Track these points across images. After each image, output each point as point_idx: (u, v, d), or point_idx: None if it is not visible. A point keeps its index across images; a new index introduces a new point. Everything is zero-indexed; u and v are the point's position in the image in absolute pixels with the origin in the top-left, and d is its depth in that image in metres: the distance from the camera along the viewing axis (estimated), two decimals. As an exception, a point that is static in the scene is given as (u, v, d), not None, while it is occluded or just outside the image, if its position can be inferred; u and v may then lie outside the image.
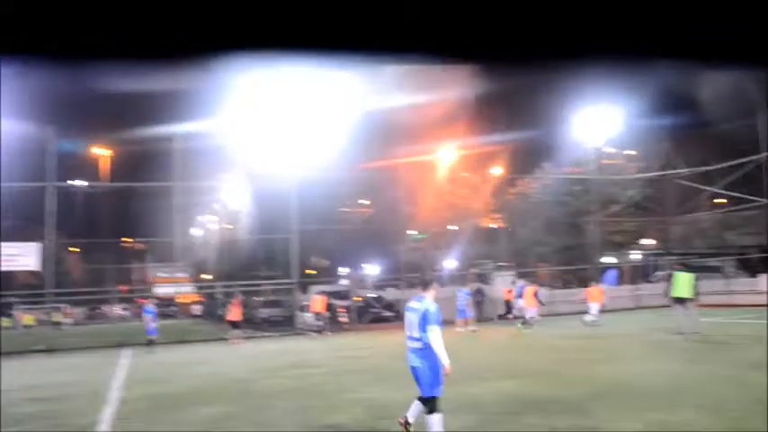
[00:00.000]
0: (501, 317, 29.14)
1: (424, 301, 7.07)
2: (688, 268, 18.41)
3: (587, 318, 23.58)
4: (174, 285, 40.30)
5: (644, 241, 43.91)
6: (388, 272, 43.36)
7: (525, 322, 24.08)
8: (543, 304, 26.58)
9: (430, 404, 6.95)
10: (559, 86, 29.32)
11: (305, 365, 15.78)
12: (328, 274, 48.63)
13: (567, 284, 39.77)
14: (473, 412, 8.54)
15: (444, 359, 6.82)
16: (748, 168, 33.88)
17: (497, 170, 38.18)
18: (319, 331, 26.72)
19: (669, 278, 18.87)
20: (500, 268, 36.71)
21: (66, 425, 9.35)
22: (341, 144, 28.93)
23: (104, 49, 2.81)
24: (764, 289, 30.10)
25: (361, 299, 34.52)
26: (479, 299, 32.50)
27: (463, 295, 25.70)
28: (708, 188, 36.98)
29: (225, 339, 25.16)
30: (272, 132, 29.09)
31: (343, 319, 29.87)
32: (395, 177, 34.51)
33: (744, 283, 32.20)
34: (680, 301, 17.44)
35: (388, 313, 33.09)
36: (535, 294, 25.31)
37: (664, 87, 30.58)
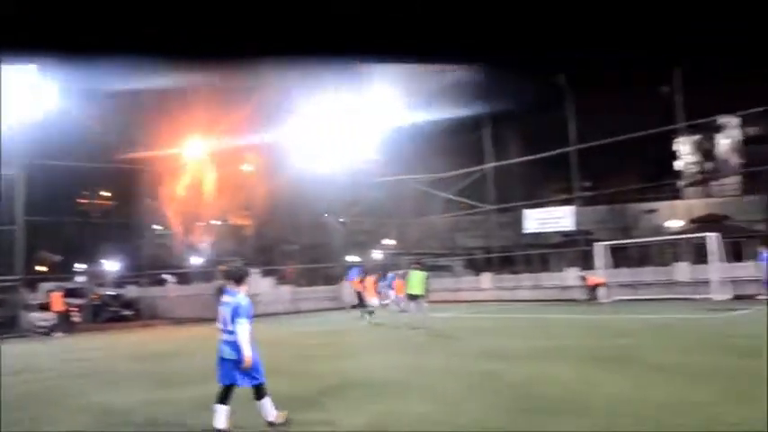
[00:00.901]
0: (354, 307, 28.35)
1: (237, 296, 7.28)
2: (422, 267, 20.00)
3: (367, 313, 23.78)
4: None
5: (385, 241, 46.64)
6: (129, 268, 41.25)
7: (371, 312, 23.97)
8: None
9: (259, 390, 7.37)
10: (306, 86, 30.16)
11: (29, 370, 14.46)
12: (63, 271, 44.95)
13: (312, 282, 40.96)
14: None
15: (247, 352, 7.07)
16: (476, 177, 37.66)
17: (247, 167, 38.12)
18: (48, 333, 24.74)
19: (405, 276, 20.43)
20: (248, 266, 36.61)
21: None
22: (79, 134, 26.98)
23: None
24: (485, 286, 33.79)
25: (97, 297, 32.49)
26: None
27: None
28: (441, 194, 40.35)
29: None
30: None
31: (77, 318, 27.82)
32: (140, 171, 32.96)
33: (469, 281, 35.56)
34: (413, 297, 18.93)
35: (126, 312, 31.53)
36: (375, 283, 26.53)
37: (406, 97, 32.88)
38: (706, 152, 75.02)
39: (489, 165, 36.58)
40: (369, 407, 8.27)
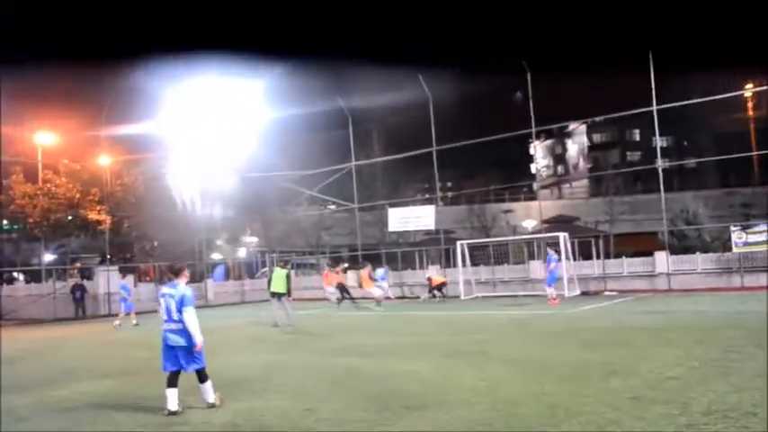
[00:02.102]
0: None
1: (178, 287, 8.09)
2: (286, 265, 20.07)
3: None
4: None
5: (248, 238, 46.05)
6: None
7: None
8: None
9: (202, 374, 8.10)
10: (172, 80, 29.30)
11: None
12: None
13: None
14: (62, 415, 8.20)
15: (198, 337, 7.95)
16: (340, 175, 38.01)
17: (103, 160, 36.28)
18: None
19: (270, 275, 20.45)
20: (104, 263, 35.04)
21: None
22: None
23: None
24: (351, 284, 34.09)
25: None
26: (80, 295, 30.74)
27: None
28: (306, 191, 40.36)
29: None
30: None
31: None
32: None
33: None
34: (276, 295, 18.97)
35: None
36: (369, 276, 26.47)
37: (272, 93, 32.67)
38: (557, 156, 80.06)
39: (353, 163, 37.04)
40: (230, 405, 8.24)
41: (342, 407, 7.78)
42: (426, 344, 13.71)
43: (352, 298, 26.68)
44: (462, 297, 28.18)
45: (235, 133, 36.36)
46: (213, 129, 35.70)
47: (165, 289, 8.23)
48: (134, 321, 23.15)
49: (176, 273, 8.41)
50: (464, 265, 29.56)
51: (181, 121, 34.58)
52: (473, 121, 32.97)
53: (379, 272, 29.21)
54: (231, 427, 7.17)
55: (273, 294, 19.14)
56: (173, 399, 7.85)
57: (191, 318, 7.89)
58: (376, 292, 25.69)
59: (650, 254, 28.39)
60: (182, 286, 8.13)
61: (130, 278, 33.07)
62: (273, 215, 41.99)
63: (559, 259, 23.86)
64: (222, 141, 36.30)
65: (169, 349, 8.02)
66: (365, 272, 26.63)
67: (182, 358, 7.96)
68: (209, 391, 8.12)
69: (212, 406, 8.05)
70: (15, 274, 37.62)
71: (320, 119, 36.05)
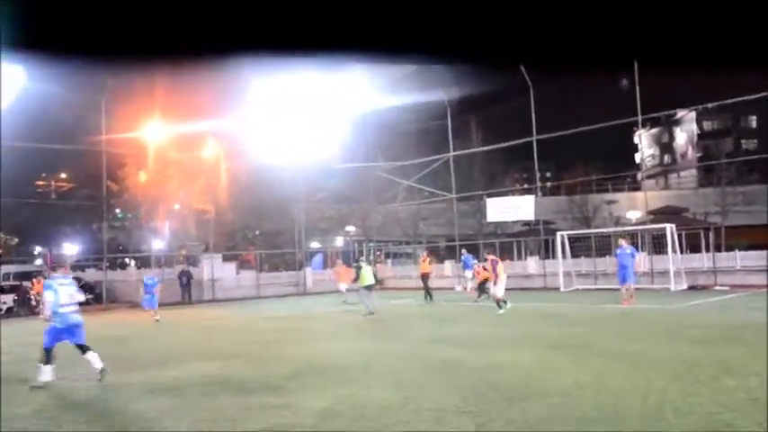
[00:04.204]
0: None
1: (69, 278, 10.45)
2: (380, 257, 20.31)
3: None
4: None
5: (346, 228, 46.68)
6: (89, 251, 40.65)
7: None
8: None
9: (83, 347, 9.96)
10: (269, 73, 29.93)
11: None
12: (21, 253, 44.11)
13: (274, 268, 40.86)
14: (171, 395, 8.56)
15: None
16: (437, 165, 37.88)
17: (208, 152, 37.68)
18: (6, 314, 24.44)
19: (358, 270, 20.80)
20: (208, 250, 36.44)
21: None
22: (39, 116, 26.48)
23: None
24: (448, 274, 34.03)
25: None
26: (186, 281, 32.09)
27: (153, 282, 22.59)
28: (403, 181, 40.47)
29: None
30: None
31: (35, 301, 27.37)
32: (101, 154, 32.35)
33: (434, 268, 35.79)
34: (367, 287, 19.58)
35: (86, 296, 31.07)
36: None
37: (370, 84, 32.82)
38: (664, 145, 76.64)
39: (451, 153, 36.82)
40: (330, 391, 8.36)
41: (441, 397, 7.73)
42: (525, 335, 13.48)
43: (429, 293, 24.75)
44: (562, 289, 27.53)
45: (333, 125, 36.85)
46: (312, 121, 36.31)
47: (58, 280, 10.13)
48: (156, 317, 21.18)
49: (56, 268, 10.97)
50: (564, 256, 28.87)
51: (281, 113, 35.35)
52: (575, 109, 31.94)
53: (465, 261, 28.36)
54: (332, 412, 7.26)
55: (365, 287, 19.67)
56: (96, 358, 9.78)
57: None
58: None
59: (767, 247, 26.73)
60: (69, 276, 10.47)
61: (232, 265, 34.28)
62: (371, 205, 42.38)
63: (635, 253, 20.34)
64: (320, 133, 36.87)
65: (73, 329, 9.93)
66: (426, 262, 26.25)
67: (78, 333, 9.98)
68: (95, 359, 9.79)
69: (104, 370, 9.65)
70: (127, 260, 39.64)
71: (418, 109, 35.93)
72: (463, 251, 29.13)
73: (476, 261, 26.17)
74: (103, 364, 9.81)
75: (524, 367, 9.53)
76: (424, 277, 25.43)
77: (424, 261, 26.50)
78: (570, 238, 29.74)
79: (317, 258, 45.99)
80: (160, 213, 37.90)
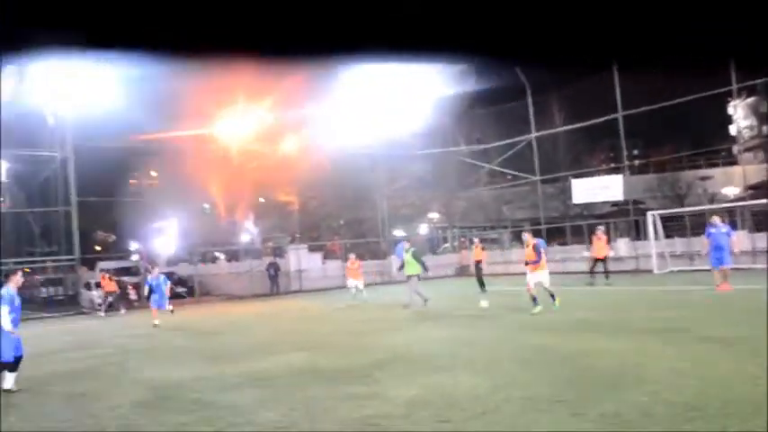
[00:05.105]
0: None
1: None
2: (465, 243, 19.80)
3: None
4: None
5: (430, 214, 46.52)
6: (180, 246, 42.02)
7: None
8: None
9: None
10: (345, 63, 29.88)
11: (87, 347, 14.99)
12: (118, 250, 46.11)
13: (359, 257, 41.11)
14: (262, 386, 8.69)
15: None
16: (519, 147, 37.16)
17: (289, 144, 38.25)
18: (105, 310, 25.54)
19: (465, 248, 20.18)
20: (294, 242, 37.10)
21: None
22: (125, 114, 27.47)
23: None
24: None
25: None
26: (274, 273, 32.75)
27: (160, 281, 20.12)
28: (485, 165, 39.93)
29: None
30: (47, 101, 27.23)
31: (133, 296, 28.63)
32: (184, 150, 33.36)
33: (518, 253, 35.18)
34: (411, 277, 18.92)
35: (180, 289, 32.22)
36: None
37: (446, 68, 32.41)
38: (763, 115, 72.50)
39: (533, 134, 36.05)
40: (418, 379, 8.28)
41: (532, 385, 7.51)
42: (617, 320, 13.02)
43: (481, 281, 23.35)
44: (656, 271, 26.49)
45: (412, 111, 36.70)
46: (392, 108, 36.26)
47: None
48: (156, 322, 18.89)
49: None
50: (656, 237, 27.78)
51: (361, 102, 35.47)
52: (661, 81, 30.50)
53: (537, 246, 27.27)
54: (421, 401, 7.17)
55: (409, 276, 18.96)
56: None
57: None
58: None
59: None
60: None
61: (317, 256, 34.73)
62: (453, 191, 42.07)
63: (731, 232, 18.14)
64: (400, 119, 36.79)
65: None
66: (479, 248, 24.91)
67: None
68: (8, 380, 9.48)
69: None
70: (217, 254, 40.83)
71: (496, 90, 35.29)
72: (525, 235, 28.04)
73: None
74: None
75: (618, 353, 9.16)
76: (478, 265, 24.12)
77: (476, 248, 25.22)
78: (662, 218, 28.58)
79: (401, 246, 45.97)
80: (245, 207, 38.78)
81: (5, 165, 35.82)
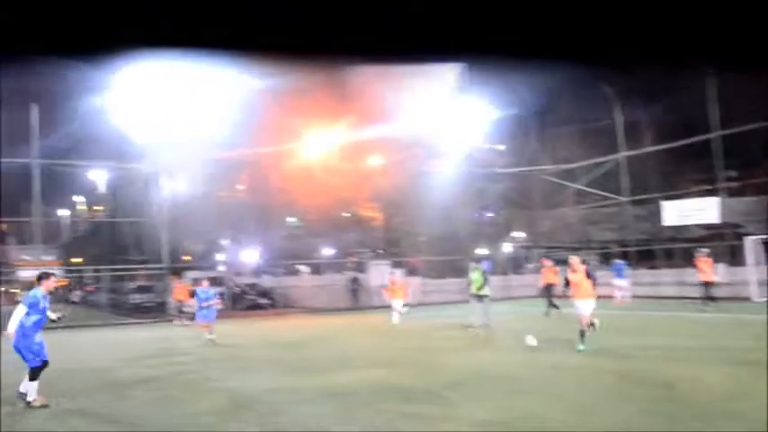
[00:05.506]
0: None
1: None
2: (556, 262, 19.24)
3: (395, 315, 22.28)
4: (39, 269, 38.12)
5: (514, 234, 45.77)
6: (265, 258, 42.87)
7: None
8: None
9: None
10: (433, 80, 29.92)
11: (172, 353, 15.39)
12: (204, 260, 47.41)
13: (441, 275, 40.86)
14: (339, 400, 8.63)
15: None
16: (607, 167, 36.09)
17: (373, 160, 38.55)
18: (191, 318, 26.25)
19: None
20: (376, 257, 37.20)
21: None
22: (214, 130, 28.35)
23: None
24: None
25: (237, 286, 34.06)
26: (355, 287, 32.92)
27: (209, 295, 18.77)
28: (571, 184, 38.99)
29: (90, 326, 24.35)
30: (142, 117, 28.44)
31: (218, 306, 29.28)
32: (270, 164, 34.10)
33: (604, 276, 34.10)
34: (477, 297, 18.53)
35: (263, 300, 32.81)
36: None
37: (531, 84, 31.88)
38: None
39: (622, 153, 34.97)
40: (492, 402, 8.05)
41: (619, 414, 7.14)
42: (711, 348, 12.31)
43: (552, 303, 22.33)
44: (755, 299, 25.09)
45: (496, 128, 36.38)
46: (474, 124, 36.04)
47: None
48: (208, 336, 17.59)
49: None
50: (756, 263, 26.32)
51: (443, 118, 35.43)
52: (762, 98, 28.94)
53: (618, 268, 26.41)
54: (495, 423, 6.94)
55: (475, 296, 18.56)
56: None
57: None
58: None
59: None
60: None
61: (399, 271, 34.67)
62: (538, 210, 41.31)
63: None
64: (484, 136, 36.54)
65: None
66: (551, 269, 23.80)
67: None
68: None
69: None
70: (300, 267, 41.36)
71: (583, 108, 34.44)
72: (572, 258, 26.73)
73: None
74: None
75: (714, 385, 8.62)
76: (549, 287, 22.97)
77: (547, 270, 24.08)
78: (765, 243, 27.07)
79: (484, 265, 45.38)
80: (329, 221, 39.25)
81: (103, 176, 37.68)
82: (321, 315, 28.73)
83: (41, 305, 9.12)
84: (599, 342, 14.00)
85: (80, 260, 47.53)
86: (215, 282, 33.82)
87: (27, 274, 38.71)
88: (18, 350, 8.90)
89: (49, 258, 36.79)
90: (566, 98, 33.02)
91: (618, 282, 25.97)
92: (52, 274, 9.67)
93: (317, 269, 40.52)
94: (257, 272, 40.46)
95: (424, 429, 6.93)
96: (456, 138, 36.35)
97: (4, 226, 50.34)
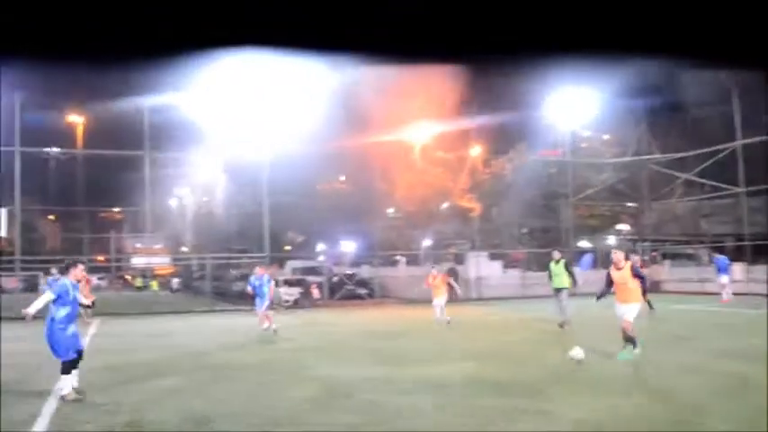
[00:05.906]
0: None
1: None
2: (657, 258, 18.36)
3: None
4: (151, 256, 40.21)
5: (619, 226, 44.20)
6: (363, 249, 43.33)
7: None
8: None
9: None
10: (536, 68, 29.15)
11: (271, 340, 15.77)
12: (305, 250, 48.46)
13: (542, 268, 39.93)
14: (435, 392, 8.56)
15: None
16: (722, 156, 34.11)
17: (472, 150, 38.15)
18: (289, 306, 26.93)
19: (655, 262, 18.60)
20: (474, 249, 36.81)
21: (25, 391, 9.17)
22: (316, 122, 28.78)
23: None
24: (737, 278, 30.10)
25: (336, 276, 34.59)
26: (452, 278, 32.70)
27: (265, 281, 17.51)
28: (682, 175, 37.15)
29: (194, 312, 25.36)
30: (246, 109, 29.27)
31: (316, 294, 29.91)
32: (371, 156, 34.36)
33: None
34: (556, 290, 17.59)
35: (361, 290, 33.13)
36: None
37: (640, 72, 30.50)
38: None
39: (739, 142, 32.94)
40: (590, 400, 7.77)
41: (733, 421, 6.68)
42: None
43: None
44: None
45: (600, 116, 35.20)
46: (578, 113, 35.01)
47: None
48: (268, 325, 17.02)
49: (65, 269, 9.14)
50: None
51: (545, 105, 34.63)
52: None
53: (719, 263, 24.63)
54: (592, 422, 6.68)
55: (557, 290, 17.58)
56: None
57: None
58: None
59: None
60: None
61: (498, 264, 34.15)
62: (645, 202, 39.66)
63: None
64: (587, 125, 35.43)
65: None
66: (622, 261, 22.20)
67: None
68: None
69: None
70: (397, 257, 41.49)
71: (698, 94, 32.62)
72: (615, 254, 24.59)
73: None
74: None
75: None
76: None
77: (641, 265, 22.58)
78: None
79: (587, 258, 43.97)
80: (428, 212, 39.17)
81: (209, 166, 39.10)
82: (418, 306, 28.73)
83: (71, 295, 8.72)
84: (715, 341, 13.29)
85: (186, 249, 49.64)
86: (314, 271, 34.52)
87: (139, 261, 40.89)
88: (50, 344, 8.58)
89: (158, 246, 38.69)
90: (676, 85, 31.44)
91: (721, 279, 24.48)
92: (81, 262, 9.30)
93: (414, 260, 40.54)
94: (356, 262, 40.95)
95: (518, 424, 6.76)
96: (561, 127, 35.44)
97: (119, 215, 53.34)
